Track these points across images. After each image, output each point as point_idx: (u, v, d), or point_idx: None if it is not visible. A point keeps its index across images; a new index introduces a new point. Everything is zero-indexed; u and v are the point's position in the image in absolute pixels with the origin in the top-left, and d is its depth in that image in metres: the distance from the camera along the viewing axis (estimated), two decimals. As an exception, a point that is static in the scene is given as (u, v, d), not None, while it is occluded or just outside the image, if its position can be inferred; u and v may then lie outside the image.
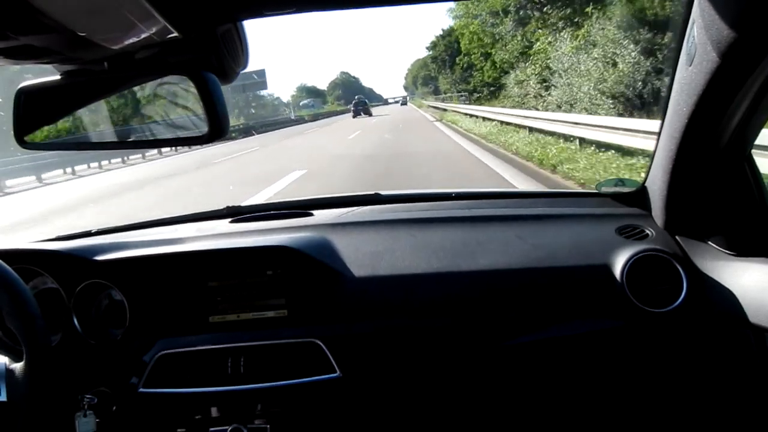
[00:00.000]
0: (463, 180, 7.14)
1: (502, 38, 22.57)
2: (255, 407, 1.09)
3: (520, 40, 20.82)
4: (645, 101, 11.76)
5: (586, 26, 14.96)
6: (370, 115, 36.78)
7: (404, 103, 71.82)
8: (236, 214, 1.41)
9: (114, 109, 0.74)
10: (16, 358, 0.92)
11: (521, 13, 21.11)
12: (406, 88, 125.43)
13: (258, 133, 27.19)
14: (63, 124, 0.74)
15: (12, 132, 0.68)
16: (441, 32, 38.93)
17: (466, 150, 10.73)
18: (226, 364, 1.07)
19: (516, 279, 1.11)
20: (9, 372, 0.90)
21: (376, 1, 0.63)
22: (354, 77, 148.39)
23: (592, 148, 7.70)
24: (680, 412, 1.12)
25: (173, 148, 15.30)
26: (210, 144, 0.70)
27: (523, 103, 17.33)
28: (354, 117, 35.90)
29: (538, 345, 1.09)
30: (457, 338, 1.09)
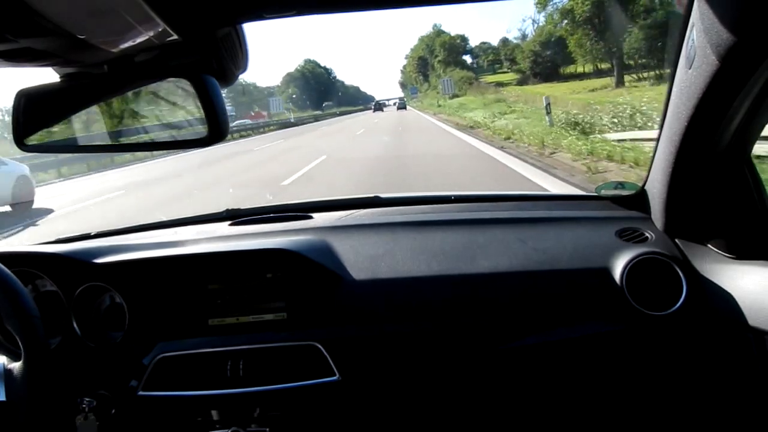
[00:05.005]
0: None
1: None
2: (254, 410, 1.09)
3: None
4: None
5: None
6: (382, 110, 49.83)
7: (402, 107, 51.19)
8: (236, 216, 1.41)
9: (113, 111, 0.74)
10: (15, 359, 0.92)
11: None
12: (403, 84, 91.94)
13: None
14: (62, 126, 0.74)
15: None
16: None
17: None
18: (226, 367, 1.07)
19: (516, 282, 1.11)
20: (7, 372, 0.90)
21: (378, 4, 0.62)
22: (324, 68, 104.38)
23: None
24: (680, 415, 1.12)
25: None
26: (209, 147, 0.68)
27: None
28: (374, 112, 48.92)
29: (538, 348, 1.08)
30: (458, 341, 1.09)
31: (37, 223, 7.06)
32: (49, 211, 7.86)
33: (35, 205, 8.24)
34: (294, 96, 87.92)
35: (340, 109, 75.92)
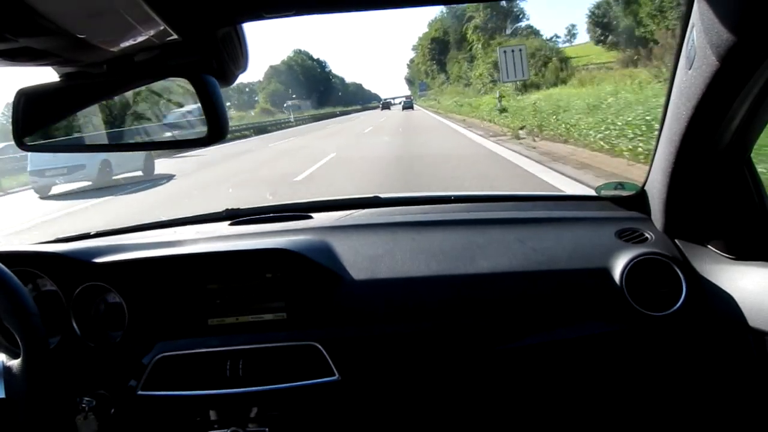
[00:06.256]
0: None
1: None
2: (253, 410, 1.09)
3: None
4: None
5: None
6: (389, 108, 53.45)
7: (408, 106, 44.09)
8: (235, 216, 1.40)
9: (113, 110, 0.74)
10: (14, 357, 0.92)
11: None
12: (410, 81, 78.23)
13: None
14: (62, 125, 0.74)
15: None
16: None
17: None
18: (225, 367, 1.07)
19: (515, 282, 1.11)
20: (7, 369, 0.90)
21: (377, 4, 0.62)
22: (317, 61, 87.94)
23: None
24: (680, 416, 1.12)
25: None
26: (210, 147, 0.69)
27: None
28: (381, 110, 51.81)
29: (538, 348, 1.08)
30: (457, 342, 1.09)
31: (174, 176, 10.86)
32: (171, 176, 11.05)
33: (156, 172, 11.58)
34: (274, 93, 68.47)
35: (334, 109, 65.58)
